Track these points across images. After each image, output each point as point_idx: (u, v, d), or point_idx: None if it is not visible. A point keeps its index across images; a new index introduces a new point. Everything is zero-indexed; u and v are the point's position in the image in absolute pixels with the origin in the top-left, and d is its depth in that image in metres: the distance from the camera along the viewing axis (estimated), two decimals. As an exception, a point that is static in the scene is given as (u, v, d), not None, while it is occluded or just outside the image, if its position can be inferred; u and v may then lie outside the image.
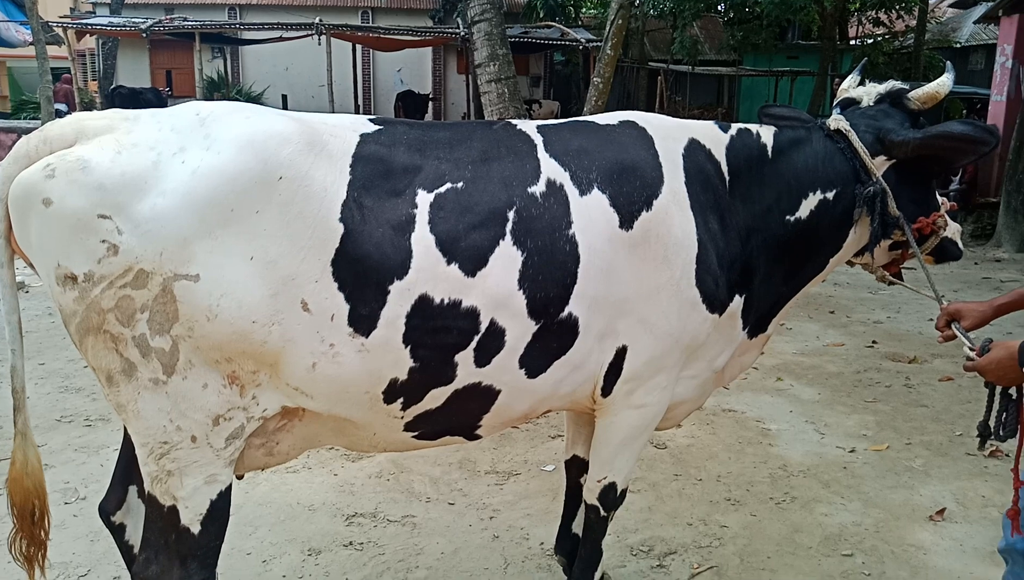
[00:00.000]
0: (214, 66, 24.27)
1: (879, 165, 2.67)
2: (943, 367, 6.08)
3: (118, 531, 2.48)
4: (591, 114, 3.65)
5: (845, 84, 3.02)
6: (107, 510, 2.48)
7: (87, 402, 5.06)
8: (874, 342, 6.78)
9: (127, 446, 2.40)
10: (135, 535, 2.42)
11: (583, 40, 20.55)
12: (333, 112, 9.12)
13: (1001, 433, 2.27)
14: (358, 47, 22.57)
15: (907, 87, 2.78)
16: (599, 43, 11.33)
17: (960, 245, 2.98)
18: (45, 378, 5.50)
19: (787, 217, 2.69)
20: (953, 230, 2.94)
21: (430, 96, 23.90)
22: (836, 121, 2.75)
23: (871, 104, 2.82)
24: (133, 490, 2.46)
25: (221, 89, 23.26)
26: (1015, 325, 6.88)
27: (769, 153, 2.71)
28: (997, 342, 2.19)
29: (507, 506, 3.86)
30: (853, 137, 2.69)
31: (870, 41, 22.77)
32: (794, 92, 23.94)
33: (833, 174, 2.70)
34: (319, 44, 18.51)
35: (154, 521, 2.13)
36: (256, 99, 22.76)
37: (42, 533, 2.26)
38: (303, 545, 3.48)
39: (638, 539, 3.57)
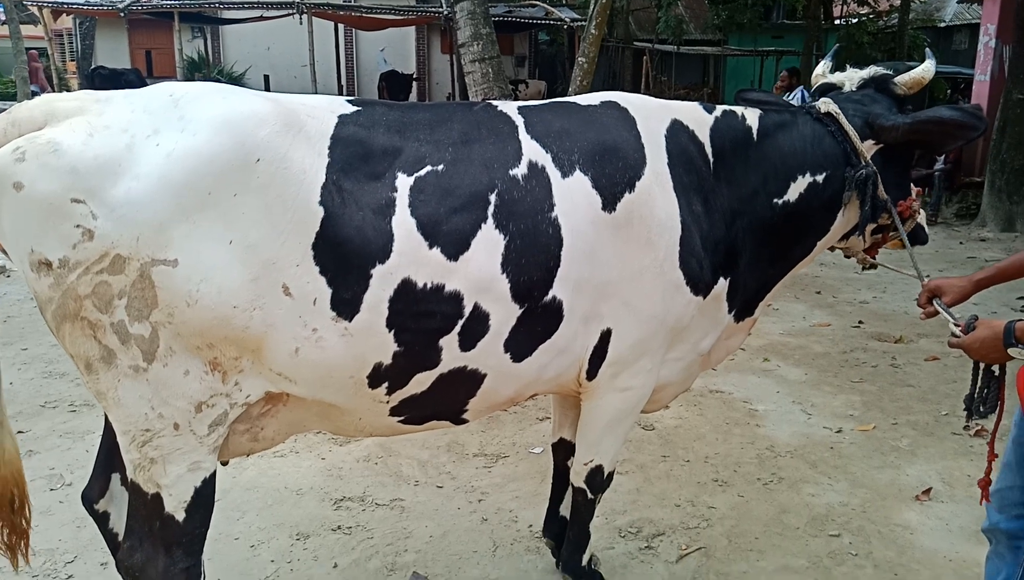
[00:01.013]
0: (194, 46, 23.92)
1: (867, 149, 2.67)
2: (929, 347, 6.11)
3: (102, 519, 2.46)
4: (576, 94, 3.62)
5: (819, 69, 3.02)
6: (90, 498, 2.46)
7: (71, 387, 5.00)
8: (860, 322, 6.81)
9: (109, 433, 2.37)
10: (119, 523, 2.39)
11: (568, 19, 20.41)
12: (316, 93, 9.00)
13: (982, 409, 2.29)
14: (340, 27, 22.32)
15: (892, 73, 2.79)
16: (584, 22, 11.24)
17: (927, 229, 3.00)
18: (28, 363, 5.43)
19: (775, 200, 2.68)
20: (921, 215, 2.96)
21: (413, 76, 23.68)
22: (825, 104, 2.73)
23: (853, 89, 2.81)
24: (116, 478, 2.43)
25: (202, 69, 22.94)
26: (999, 304, 6.94)
27: (755, 135, 2.69)
28: (982, 321, 2.19)
29: (495, 489, 3.85)
30: (843, 120, 2.67)
31: (854, 21, 22.71)
32: (779, 71, 23.89)
33: (823, 157, 2.69)
34: (300, 23, 18.29)
35: (138, 509, 2.11)
36: (238, 80, 22.48)
37: (23, 522, 2.23)
38: (291, 530, 3.47)
39: (626, 521, 3.57)
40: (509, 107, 2.48)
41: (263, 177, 1.95)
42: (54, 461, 4.03)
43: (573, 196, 2.32)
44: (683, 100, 3.00)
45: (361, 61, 25.82)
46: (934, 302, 2.48)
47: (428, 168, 2.18)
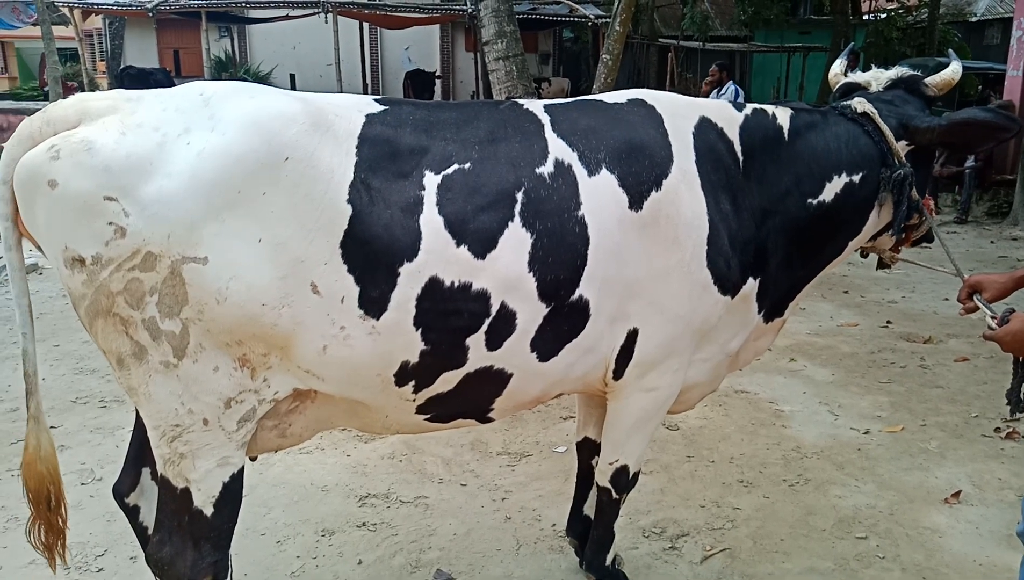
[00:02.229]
0: (221, 46, 24.17)
1: (900, 150, 2.66)
2: (959, 347, 6.02)
3: (132, 512, 2.49)
4: (600, 92, 3.61)
5: (835, 69, 3.00)
6: (121, 492, 2.49)
7: (102, 383, 5.07)
8: (888, 322, 6.72)
9: (139, 428, 2.39)
10: (149, 516, 2.42)
11: (592, 16, 20.34)
12: (341, 91, 9.04)
13: (1020, 405, 2.29)
14: (365, 25, 22.43)
15: (921, 74, 2.78)
16: (608, 19, 11.19)
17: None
18: (60, 360, 5.51)
19: (809, 200, 2.66)
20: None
21: (436, 74, 23.73)
22: (861, 104, 2.71)
23: (881, 90, 2.79)
24: (146, 472, 2.46)
25: (228, 69, 23.17)
26: None
27: (786, 134, 2.67)
28: (1017, 314, 2.18)
29: (519, 487, 3.85)
30: (880, 121, 2.66)
31: (883, 16, 22.42)
32: (806, 68, 23.67)
33: (859, 157, 2.67)
34: (325, 22, 18.40)
35: (167, 503, 2.13)
36: (264, 79, 22.67)
37: (59, 520, 2.24)
38: (317, 526, 3.49)
39: (650, 521, 3.56)
40: (535, 105, 2.48)
41: (292, 176, 1.96)
42: (85, 456, 4.09)
43: (600, 194, 2.31)
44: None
45: (386, 60, 25.93)
46: (974, 298, 2.46)
47: (455, 166, 2.18)
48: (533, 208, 2.22)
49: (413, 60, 24.57)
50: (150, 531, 2.39)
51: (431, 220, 2.10)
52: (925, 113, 2.74)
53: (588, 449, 3.06)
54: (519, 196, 2.21)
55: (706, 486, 3.89)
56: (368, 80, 23.23)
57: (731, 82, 10.08)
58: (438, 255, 2.10)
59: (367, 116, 2.18)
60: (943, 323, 6.59)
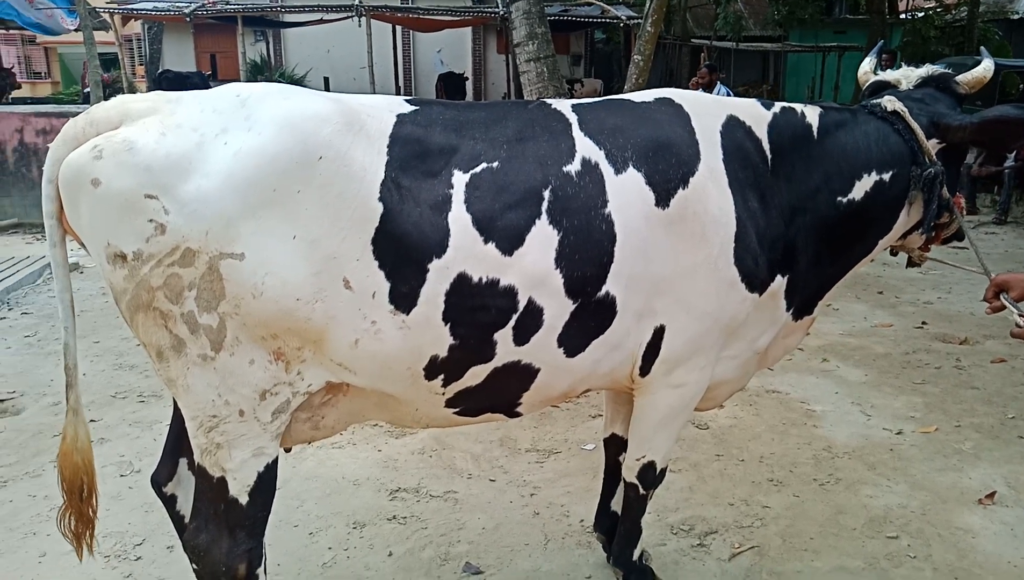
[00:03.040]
0: (257, 49, 24.50)
1: (931, 148, 2.65)
2: (996, 349, 5.92)
3: (169, 502, 2.57)
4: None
5: (865, 67, 3.00)
6: (159, 481, 2.57)
7: (140, 379, 5.21)
8: (924, 323, 6.63)
9: (177, 419, 2.47)
10: (186, 505, 2.49)
11: (624, 17, 20.26)
12: (375, 93, 9.13)
13: None
14: (398, 28, 22.58)
15: (952, 72, 2.78)
16: (640, 20, 11.16)
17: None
18: (100, 356, 5.67)
19: (839, 198, 2.66)
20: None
21: (464, 76, 23.81)
22: (891, 103, 2.71)
23: (912, 88, 2.79)
24: (183, 462, 2.53)
25: (264, 72, 23.50)
26: None
27: (815, 133, 2.67)
28: None
29: (547, 483, 3.89)
30: (910, 119, 2.65)
31: (920, 14, 22.05)
32: (842, 68, 23.35)
33: (889, 156, 2.67)
34: (359, 26, 18.55)
35: (204, 492, 2.20)
36: (299, 82, 22.92)
37: (90, 511, 2.31)
38: (348, 518, 3.56)
39: (679, 518, 3.57)
40: (563, 105, 2.51)
41: (325, 174, 2.01)
42: (124, 449, 4.20)
43: (626, 192, 2.34)
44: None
45: (418, 62, 26.10)
46: (1001, 297, 2.45)
47: (483, 165, 2.22)
48: (560, 206, 2.25)
49: (445, 62, 24.70)
50: (186, 519, 2.46)
51: (459, 218, 2.15)
52: (956, 111, 2.73)
53: (615, 445, 3.09)
54: (546, 194, 2.25)
55: (735, 484, 3.88)
56: (401, 82, 23.39)
57: (720, 84, 10.12)
58: (466, 252, 2.14)
59: (398, 116, 2.23)
60: (980, 324, 6.48)
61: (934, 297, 7.51)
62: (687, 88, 10.44)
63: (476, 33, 26.20)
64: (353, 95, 2.32)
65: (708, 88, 9.86)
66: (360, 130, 2.11)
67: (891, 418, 4.69)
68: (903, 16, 22.86)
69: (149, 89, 19.37)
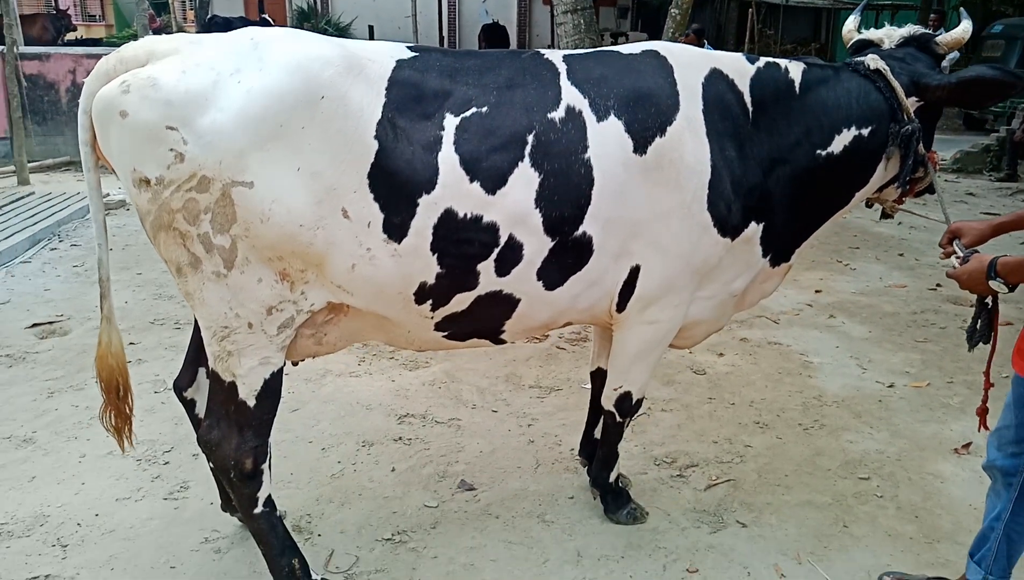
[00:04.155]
0: (305, -4, 24.64)
1: (910, 106, 2.78)
2: (1006, 312, 5.90)
3: (189, 405, 2.88)
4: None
5: (849, 25, 3.11)
6: (180, 386, 2.88)
7: (177, 308, 5.57)
8: (938, 285, 6.69)
9: (197, 332, 2.76)
10: (203, 408, 2.80)
11: (672, -31, 19.91)
12: (418, 43, 9.25)
13: (975, 340, 2.47)
14: (444, -22, 22.49)
15: (931, 32, 2.91)
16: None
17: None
18: (142, 286, 6.05)
19: (818, 151, 2.81)
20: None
21: (503, 28, 23.57)
22: (873, 61, 2.84)
23: (893, 47, 2.91)
24: (202, 371, 2.84)
25: (311, 19, 23.64)
26: (1016, 241, 6.76)
27: (797, 88, 2.82)
28: (977, 255, 2.33)
29: (545, 416, 4.15)
30: (891, 78, 2.79)
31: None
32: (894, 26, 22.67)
33: (869, 112, 2.81)
34: (406, -26, 18.56)
35: (216, 394, 2.49)
36: (344, 30, 23.05)
37: (127, 408, 2.63)
38: (358, 438, 3.87)
39: (663, 451, 3.81)
40: (555, 55, 2.69)
41: (326, 112, 2.24)
42: (159, 369, 4.56)
43: (606, 139, 2.53)
44: (789, 56, 3.14)
45: (463, 13, 25.97)
46: (954, 243, 2.60)
47: (473, 109, 2.43)
48: (543, 150, 2.46)
49: (490, 13, 24.55)
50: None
51: (448, 158, 2.37)
52: (935, 70, 2.85)
53: (601, 378, 3.32)
54: (530, 138, 2.45)
55: (722, 425, 4.10)
56: (445, 32, 23.39)
57: (707, 45, 10.10)
58: (453, 189, 2.37)
59: (398, 61, 2.44)
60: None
61: (955, 261, 7.50)
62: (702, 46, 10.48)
63: (522, -16, 25.91)
64: (359, 41, 2.54)
65: None
66: (360, 73, 2.33)
67: (886, 372, 4.84)
68: (963, -25, 22.06)
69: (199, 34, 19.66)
